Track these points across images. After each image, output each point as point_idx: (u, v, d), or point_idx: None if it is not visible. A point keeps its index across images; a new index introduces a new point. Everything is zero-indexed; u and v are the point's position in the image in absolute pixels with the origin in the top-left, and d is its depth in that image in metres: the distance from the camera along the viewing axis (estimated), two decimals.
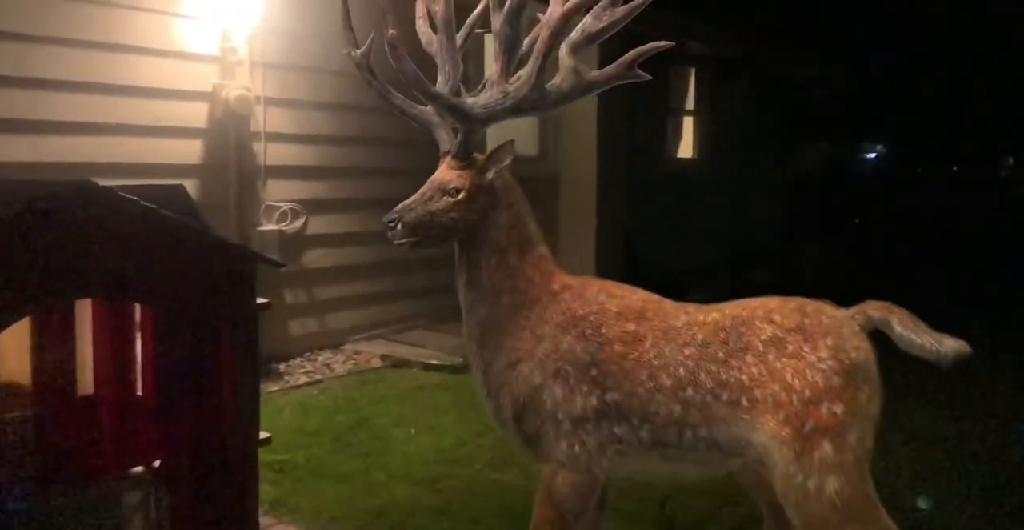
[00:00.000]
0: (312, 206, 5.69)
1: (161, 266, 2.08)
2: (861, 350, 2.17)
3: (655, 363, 2.21)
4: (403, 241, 2.30)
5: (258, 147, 5.32)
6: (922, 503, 3.44)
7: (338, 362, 5.64)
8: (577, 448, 2.24)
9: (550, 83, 2.27)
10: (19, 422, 2.18)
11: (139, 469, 2.18)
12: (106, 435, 2.33)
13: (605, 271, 7.26)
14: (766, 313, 2.23)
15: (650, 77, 2.22)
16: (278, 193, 5.46)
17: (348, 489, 3.54)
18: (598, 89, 2.29)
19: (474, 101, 2.32)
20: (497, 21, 2.34)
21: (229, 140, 5.16)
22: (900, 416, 4.30)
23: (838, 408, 2.09)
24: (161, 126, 4.88)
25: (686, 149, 9.90)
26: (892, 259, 9.99)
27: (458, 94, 2.37)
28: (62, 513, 2.05)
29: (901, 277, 8.92)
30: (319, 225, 5.78)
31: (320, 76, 5.61)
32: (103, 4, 4.59)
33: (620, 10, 2.27)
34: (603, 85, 2.27)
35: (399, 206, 2.30)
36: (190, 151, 5.07)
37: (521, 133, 7.41)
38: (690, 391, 2.18)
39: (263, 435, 2.46)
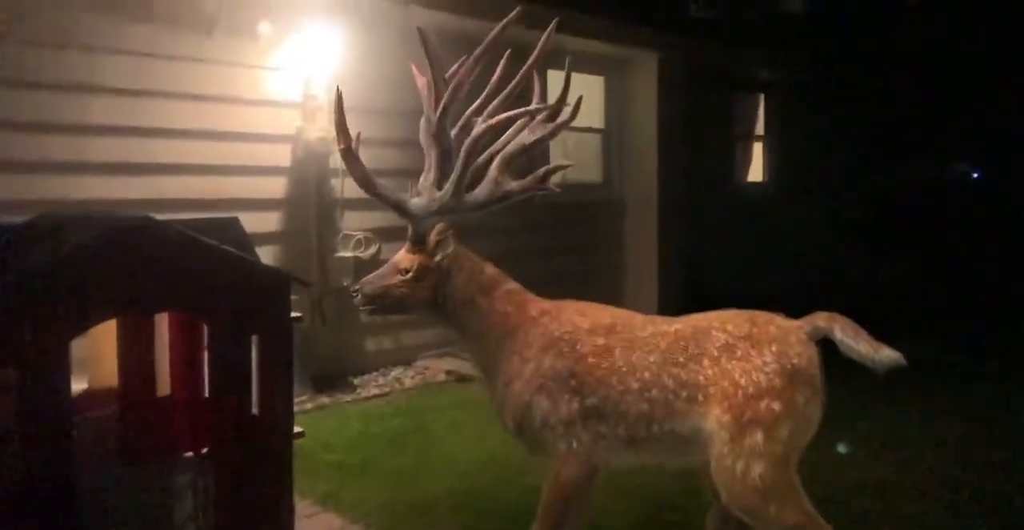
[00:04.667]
0: (385, 234, 6.20)
1: (209, 287, 2.57)
2: (804, 356, 2.44)
3: (624, 370, 2.55)
4: (364, 308, 2.82)
5: (335, 182, 5.88)
6: None
7: (408, 376, 6.11)
8: (574, 444, 2.60)
9: (471, 193, 2.74)
10: (103, 418, 2.71)
11: (189, 455, 2.68)
12: (163, 427, 2.83)
13: (668, 295, 7.49)
14: (721, 323, 2.54)
15: (557, 190, 2.71)
16: (354, 223, 6.00)
17: (392, 484, 3.97)
18: (513, 198, 2.74)
19: (415, 201, 2.79)
20: (425, 138, 2.82)
21: (309, 177, 5.77)
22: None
23: (776, 405, 2.36)
24: (252, 165, 5.54)
25: (755, 174, 9.98)
26: (972, 280, 9.68)
27: (442, 181, 2.79)
28: (131, 489, 2.56)
29: (980, 300, 8.73)
30: (392, 252, 6.25)
31: (390, 117, 6.12)
32: (203, 61, 5.27)
33: (550, 125, 2.74)
34: (517, 195, 2.73)
35: (364, 278, 2.85)
36: (276, 187, 5.71)
37: (586, 161, 7.85)
38: (655, 391, 2.50)
39: (298, 429, 2.93)
